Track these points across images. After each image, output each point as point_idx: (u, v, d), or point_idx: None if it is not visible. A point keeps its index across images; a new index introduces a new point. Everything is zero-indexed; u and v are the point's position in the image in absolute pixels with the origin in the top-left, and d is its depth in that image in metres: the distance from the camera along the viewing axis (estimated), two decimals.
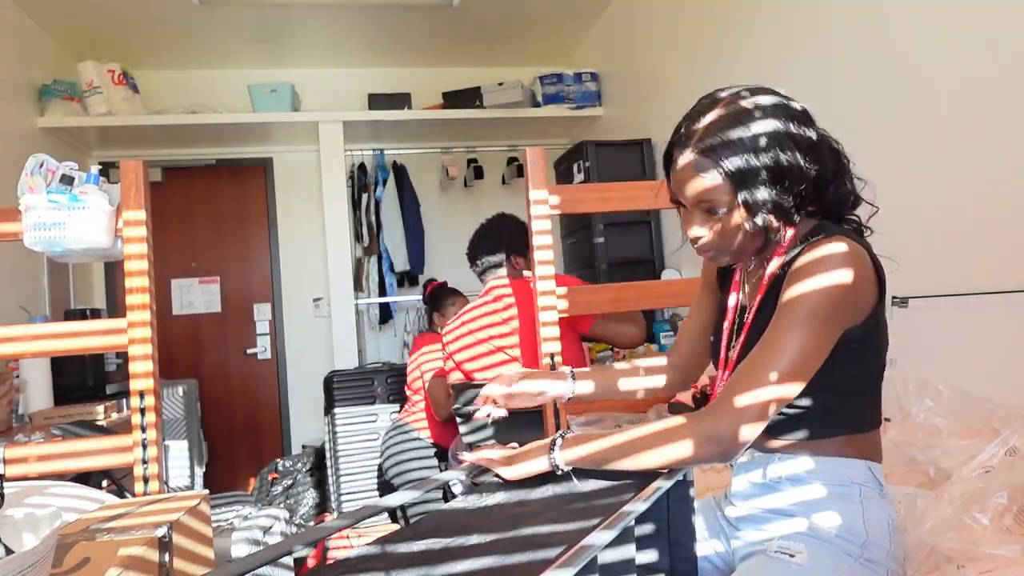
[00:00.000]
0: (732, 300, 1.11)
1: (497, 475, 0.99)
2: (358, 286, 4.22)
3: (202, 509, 1.25)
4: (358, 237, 4.28)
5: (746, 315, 1.05)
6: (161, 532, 1.06)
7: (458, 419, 2.27)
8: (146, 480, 1.64)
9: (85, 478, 1.87)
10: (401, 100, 4.10)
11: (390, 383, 3.56)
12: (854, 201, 1.03)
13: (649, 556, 0.83)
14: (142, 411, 1.64)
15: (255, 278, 4.41)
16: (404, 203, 4.28)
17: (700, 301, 1.24)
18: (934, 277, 1.71)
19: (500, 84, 4.08)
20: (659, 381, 1.27)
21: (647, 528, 0.83)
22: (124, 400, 2.89)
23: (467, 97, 4.10)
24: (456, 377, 2.35)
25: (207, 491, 1.39)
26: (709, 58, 2.78)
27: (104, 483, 2.17)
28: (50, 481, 1.34)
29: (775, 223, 0.95)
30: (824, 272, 0.90)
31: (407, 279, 4.38)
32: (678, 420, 0.89)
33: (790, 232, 0.99)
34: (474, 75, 4.29)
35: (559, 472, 0.94)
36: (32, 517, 1.02)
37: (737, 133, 0.93)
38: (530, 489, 0.94)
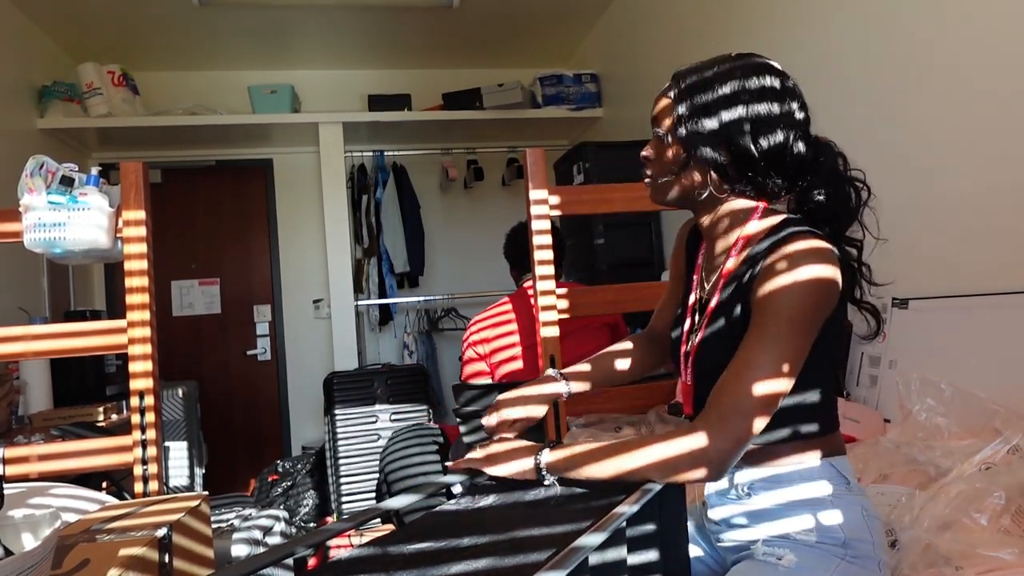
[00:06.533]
0: (691, 296, 1.10)
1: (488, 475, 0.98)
2: (358, 287, 4.22)
3: (202, 510, 1.25)
4: (358, 238, 4.28)
5: (705, 308, 1.03)
6: (161, 533, 1.06)
7: (458, 420, 2.28)
8: (146, 480, 1.64)
9: (85, 480, 1.86)
10: (401, 101, 4.10)
11: (390, 384, 3.55)
12: (833, 205, 0.99)
13: (642, 557, 0.83)
14: (142, 411, 1.65)
15: (255, 279, 4.41)
16: (404, 204, 4.28)
17: (672, 287, 1.26)
18: (934, 278, 1.71)
19: (500, 85, 4.08)
20: (642, 357, 1.30)
21: (639, 530, 0.82)
22: (124, 402, 2.90)
23: (467, 98, 4.10)
24: (474, 369, 2.39)
25: (207, 492, 1.39)
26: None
27: (104, 484, 2.17)
28: (50, 483, 1.34)
29: (698, 178, 0.99)
30: (803, 275, 0.87)
31: (407, 280, 4.39)
32: (666, 439, 0.85)
33: (751, 226, 0.99)
34: (474, 76, 4.30)
35: (545, 482, 0.92)
36: (32, 518, 1.02)
37: (716, 82, 0.95)
38: (523, 492, 0.94)
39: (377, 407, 3.51)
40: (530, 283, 2.26)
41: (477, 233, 4.52)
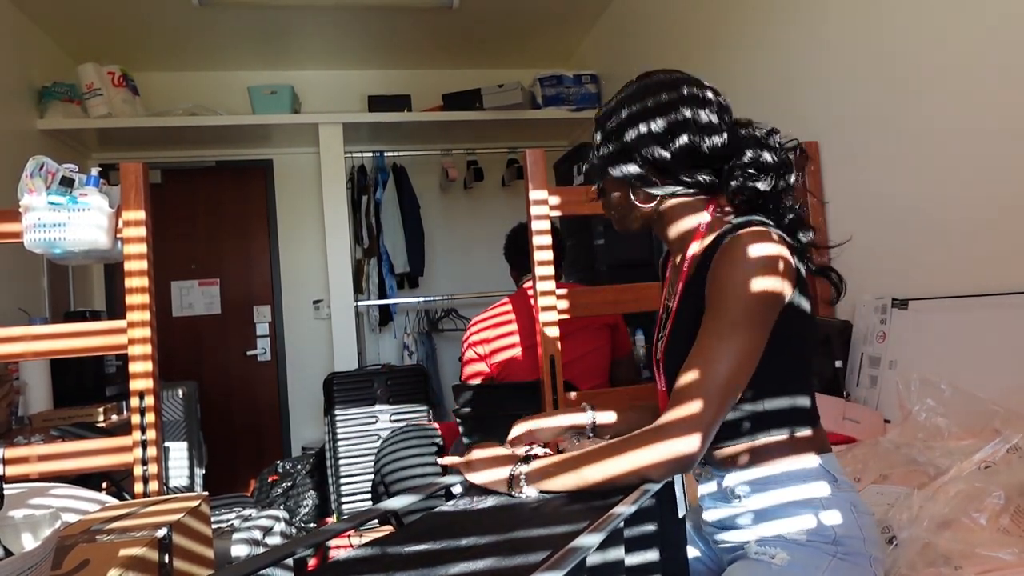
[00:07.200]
0: (661, 306, 1.14)
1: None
2: (358, 288, 4.22)
3: (202, 510, 1.25)
4: (358, 239, 4.28)
5: (670, 317, 1.06)
6: (162, 533, 1.06)
7: (457, 420, 2.28)
8: (146, 481, 1.64)
9: (85, 480, 1.86)
10: (401, 102, 4.10)
11: (390, 385, 3.55)
12: (771, 200, 1.01)
13: (640, 558, 0.83)
14: (142, 412, 1.65)
15: (255, 280, 4.41)
16: (404, 205, 4.27)
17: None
18: (934, 278, 1.71)
19: (500, 86, 4.08)
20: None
21: (638, 530, 0.83)
22: (124, 402, 2.89)
23: (467, 99, 4.10)
24: (474, 369, 2.39)
25: (207, 492, 1.39)
26: (709, 60, 2.78)
27: (104, 485, 2.17)
28: (50, 483, 1.34)
29: (619, 196, 1.09)
30: (748, 271, 0.90)
31: (407, 281, 4.39)
32: (630, 443, 0.88)
33: (699, 239, 1.03)
34: (474, 77, 4.30)
35: (519, 492, 0.93)
36: (32, 519, 1.02)
37: (616, 108, 1.06)
38: None
39: (377, 407, 3.51)
40: (530, 283, 2.26)
41: (477, 233, 4.52)
